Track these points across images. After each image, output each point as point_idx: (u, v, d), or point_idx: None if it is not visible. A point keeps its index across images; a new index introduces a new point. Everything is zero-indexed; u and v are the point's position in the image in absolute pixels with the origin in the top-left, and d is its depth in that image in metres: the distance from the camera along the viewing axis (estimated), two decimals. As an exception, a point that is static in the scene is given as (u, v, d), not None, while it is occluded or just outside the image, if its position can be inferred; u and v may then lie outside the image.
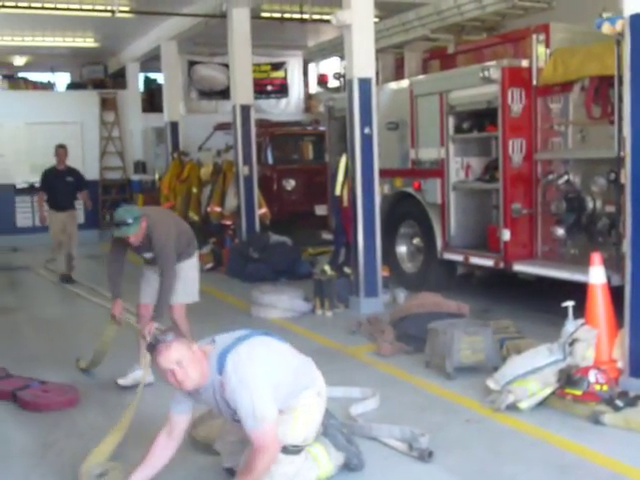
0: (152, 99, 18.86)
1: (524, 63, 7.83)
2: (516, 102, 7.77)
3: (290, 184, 14.07)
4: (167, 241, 5.81)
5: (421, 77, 9.42)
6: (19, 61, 18.85)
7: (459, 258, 8.75)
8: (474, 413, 5.28)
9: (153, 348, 3.82)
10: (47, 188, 11.47)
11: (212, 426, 4.51)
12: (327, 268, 9.42)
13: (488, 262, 8.30)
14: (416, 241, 9.62)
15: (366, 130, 8.39)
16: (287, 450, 3.96)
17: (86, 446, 4.80)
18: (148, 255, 5.95)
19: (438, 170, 8.84)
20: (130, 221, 5.63)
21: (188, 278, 6.10)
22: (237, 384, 3.74)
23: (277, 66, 18.85)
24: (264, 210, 12.16)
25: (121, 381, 5.98)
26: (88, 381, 5.77)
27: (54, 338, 7.80)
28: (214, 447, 4.37)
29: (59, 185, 11.36)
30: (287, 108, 19.11)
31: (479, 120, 8.44)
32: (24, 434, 5.18)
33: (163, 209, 10.01)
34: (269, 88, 18.83)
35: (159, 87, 18.12)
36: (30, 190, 17.25)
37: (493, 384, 5.44)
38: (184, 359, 3.76)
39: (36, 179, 17.10)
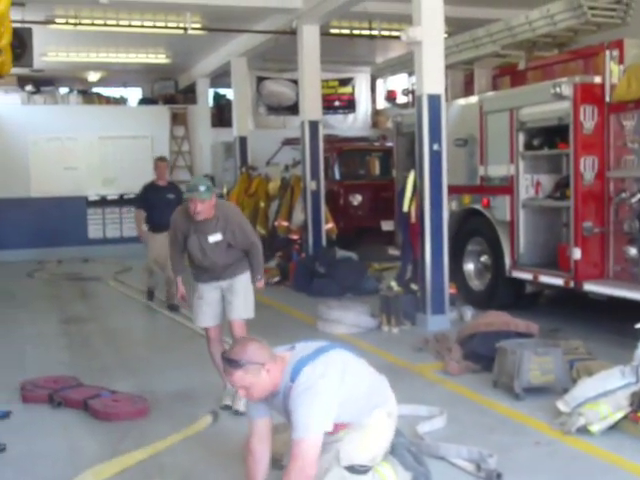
0: (221, 114, 19.15)
1: (597, 79, 7.74)
2: (588, 119, 7.66)
3: (357, 199, 14.11)
4: (244, 219, 5.95)
5: (491, 93, 9.36)
6: (93, 77, 19.33)
7: (528, 276, 8.64)
8: (543, 435, 5.18)
9: (225, 367, 3.90)
10: (147, 206, 10.19)
11: (279, 440, 4.51)
12: (394, 284, 9.39)
13: (558, 281, 8.17)
14: (484, 259, 9.53)
15: (435, 146, 8.36)
16: (354, 470, 3.94)
17: (155, 456, 4.89)
18: (213, 238, 5.68)
19: (507, 187, 8.76)
20: (203, 188, 5.51)
21: (248, 292, 5.96)
22: (303, 391, 3.75)
23: (345, 82, 18.95)
24: (331, 225, 12.19)
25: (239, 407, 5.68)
26: (157, 392, 5.85)
27: (124, 349, 7.93)
28: (282, 462, 4.38)
29: (159, 203, 9.83)
30: (354, 124, 19.18)
31: (550, 137, 8.34)
32: (94, 442, 5.27)
33: None
34: (337, 104, 18.95)
35: (228, 102, 18.39)
36: (102, 203, 17.69)
37: (563, 406, 5.35)
38: (252, 384, 3.80)
39: (108, 192, 17.69)
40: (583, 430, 5.07)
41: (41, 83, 18.85)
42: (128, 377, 6.55)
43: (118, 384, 6.50)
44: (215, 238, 5.67)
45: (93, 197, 17.68)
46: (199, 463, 4.77)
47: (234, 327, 5.91)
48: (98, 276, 13.59)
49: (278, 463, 4.41)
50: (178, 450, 4.99)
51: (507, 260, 8.81)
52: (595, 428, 5.07)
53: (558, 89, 7.72)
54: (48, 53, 15.49)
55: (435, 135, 8.37)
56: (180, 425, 5.44)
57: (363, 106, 19.29)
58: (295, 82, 16.62)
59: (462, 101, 9.74)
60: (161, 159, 10.81)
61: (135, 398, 5.97)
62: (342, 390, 3.88)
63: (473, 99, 9.49)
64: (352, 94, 19.06)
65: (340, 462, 3.94)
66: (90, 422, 5.70)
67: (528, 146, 8.56)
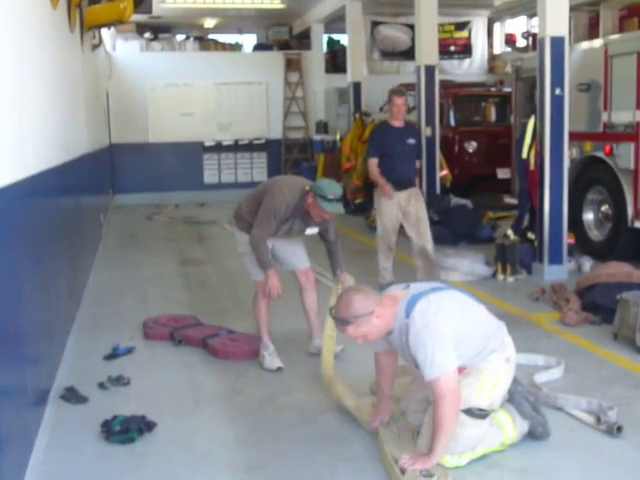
0: (335, 60, 19.02)
1: None
2: None
3: (472, 146, 13.85)
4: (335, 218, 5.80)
5: (617, 36, 8.98)
6: (209, 23, 19.51)
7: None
8: (666, 389, 5.04)
9: (337, 324, 4.02)
10: (380, 153, 7.93)
11: (397, 383, 4.54)
12: (510, 233, 9.21)
13: (684, 232, 7.84)
14: (604, 208, 9.22)
15: (557, 91, 8.08)
16: (472, 413, 3.93)
17: (273, 395, 5.01)
18: (310, 231, 5.70)
19: (632, 134, 8.40)
20: (340, 197, 5.38)
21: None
22: (421, 328, 3.77)
23: (461, 26, 18.45)
24: (445, 172, 12.00)
25: (312, 349, 5.93)
26: (273, 332, 5.94)
27: (241, 291, 8.07)
28: (400, 406, 4.41)
29: (397, 150, 7.87)
30: (470, 69, 18.73)
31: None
32: (213, 380, 5.44)
33: None
34: (452, 49, 18.49)
35: (342, 48, 18.24)
36: (217, 148, 17.97)
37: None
38: (367, 332, 3.89)
39: (223, 138, 17.95)
40: None
41: (159, 30, 19.21)
42: (245, 318, 6.69)
43: (236, 324, 6.66)
44: (312, 231, 5.71)
45: (209, 142, 17.97)
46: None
47: (302, 275, 5.95)
48: (214, 220, 13.87)
49: (397, 405, 4.45)
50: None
51: (630, 210, 8.50)
52: None
53: (691, 30, 7.33)
54: (166, 0, 15.69)
55: (557, 79, 8.08)
56: (294, 363, 5.62)
57: (479, 51, 18.77)
58: (410, 27, 16.35)
59: (586, 44, 9.36)
60: (398, 93, 8.13)
61: (252, 338, 6.11)
62: (460, 326, 3.89)
63: (598, 42, 9.10)
64: (468, 38, 18.53)
65: (459, 406, 3.94)
66: (209, 360, 5.89)
67: (656, 91, 8.18)
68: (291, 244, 5.87)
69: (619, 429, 4.30)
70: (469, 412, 3.92)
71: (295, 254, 5.92)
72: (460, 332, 3.88)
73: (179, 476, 4.02)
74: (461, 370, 3.95)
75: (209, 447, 4.35)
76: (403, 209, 7.90)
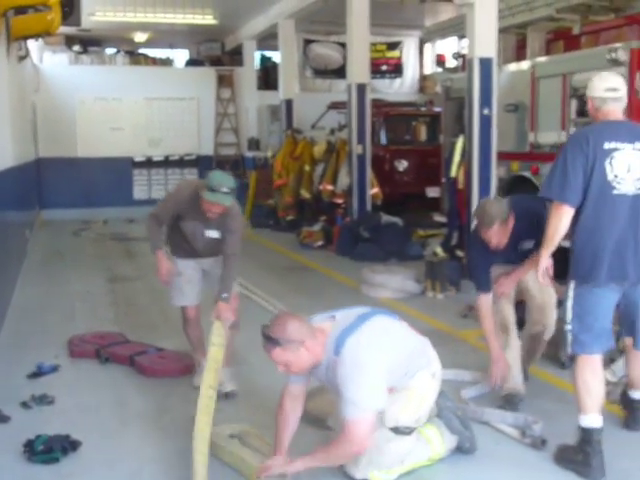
0: (267, 77, 19.09)
1: (654, 45, 7.53)
2: (645, 86, 7.48)
3: (402, 165, 14.01)
4: (241, 228, 5.33)
5: (544, 58, 9.20)
6: (140, 37, 19.34)
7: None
8: (590, 404, 5.13)
9: (264, 343, 3.81)
10: None
11: (325, 400, 4.53)
12: (439, 250, 9.33)
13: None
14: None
15: (485, 111, 8.26)
16: (399, 431, 3.95)
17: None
18: (212, 233, 5.26)
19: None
20: (228, 190, 4.97)
21: None
22: (351, 368, 3.67)
23: (393, 46, 18.74)
24: (376, 190, 12.12)
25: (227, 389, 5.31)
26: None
27: (169, 308, 7.90)
28: (327, 423, 4.39)
29: None
30: (401, 88, 19.00)
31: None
32: (141, 398, 5.35)
33: None
34: (384, 68, 18.76)
35: (274, 65, 18.31)
36: (147, 164, 17.80)
37: (610, 375, 5.27)
38: (291, 361, 3.76)
39: (153, 153, 17.79)
40: (630, 400, 5.01)
41: (88, 43, 18.97)
42: (173, 335, 6.60)
43: (164, 341, 6.57)
44: (211, 235, 5.28)
45: (139, 158, 17.79)
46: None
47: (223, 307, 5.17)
48: (143, 236, 13.65)
49: (323, 423, 4.43)
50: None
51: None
52: (643, 398, 4.99)
53: (614, 54, 7.54)
54: (96, 12, 15.49)
55: (486, 99, 8.26)
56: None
57: (410, 70, 19.07)
58: (342, 45, 16.49)
59: (514, 66, 9.57)
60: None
61: (180, 355, 6.03)
62: (389, 357, 3.83)
63: (525, 64, 9.32)
64: (400, 58, 18.84)
65: (385, 423, 3.95)
66: (136, 378, 5.78)
67: (580, 113, 8.38)
68: (219, 270, 5.33)
69: (543, 442, 4.37)
70: (396, 430, 3.94)
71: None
72: (390, 361, 3.83)
73: (104, 497, 3.94)
74: (390, 390, 3.94)
75: (135, 466, 4.27)
76: None
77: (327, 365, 3.80)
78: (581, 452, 4.07)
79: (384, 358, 3.78)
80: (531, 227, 4.80)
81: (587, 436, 4.07)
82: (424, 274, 8.62)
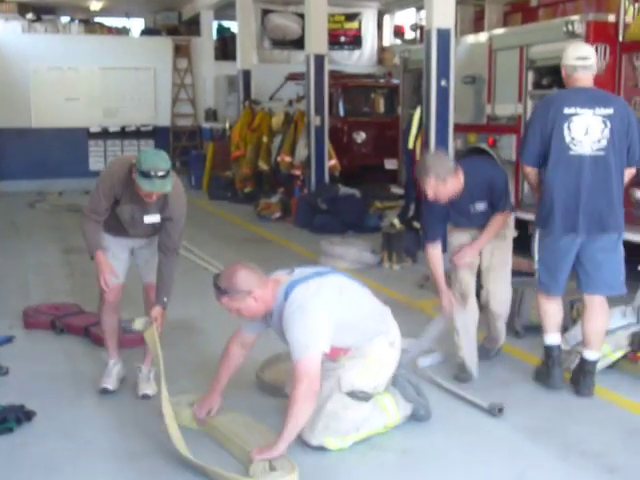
0: (225, 47, 18.84)
1: (610, 18, 7.56)
2: (600, 58, 7.51)
3: (360, 137, 13.99)
4: (184, 215, 4.68)
5: (501, 30, 9.20)
6: (95, 6, 18.96)
7: (531, 217, 8.59)
8: (543, 372, 5.23)
9: (214, 290, 3.93)
10: None
11: (280, 370, 4.55)
12: (396, 222, 9.38)
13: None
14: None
15: (442, 82, 8.27)
16: (355, 396, 3.99)
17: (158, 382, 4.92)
18: (153, 218, 4.61)
19: (514, 127, 8.65)
20: (164, 172, 4.28)
21: None
22: (295, 309, 3.79)
23: (351, 17, 18.63)
24: (334, 162, 12.11)
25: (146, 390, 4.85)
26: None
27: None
28: (284, 391, 4.41)
29: None
30: (360, 60, 18.91)
31: (560, 76, 8.20)
32: (96, 369, 5.28)
33: None
34: (342, 39, 18.64)
35: (232, 35, 18.13)
36: (103, 135, 17.56)
37: (563, 344, 5.37)
38: (240, 308, 3.90)
39: (109, 124, 17.53)
40: (582, 368, 5.12)
41: (42, 11, 18.55)
42: (129, 306, 6.51)
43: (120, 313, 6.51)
44: (152, 219, 4.62)
45: (94, 129, 17.55)
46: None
47: (150, 290, 4.89)
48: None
49: (280, 392, 4.45)
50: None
51: (511, 200, 8.74)
52: (594, 366, 5.10)
53: (570, 27, 7.56)
54: (49, -21, 15.22)
55: (443, 71, 8.26)
56: (181, 353, 5.49)
57: (369, 42, 18.98)
58: (301, 16, 16.34)
59: (471, 37, 9.58)
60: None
61: (136, 326, 5.98)
62: (338, 310, 3.90)
63: (483, 36, 9.33)
64: (358, 30, 18.73)
65: (341, 388, 3.99)
66: (92, 348, 5.77)
67: (537, 85, 8.43)
68: (150, 249, 4.88)
69: (500, 410, 4.43)
70: (352, 395, 3.98)
71: (149, 262, 4.89)
72: (338, 316, 3.90)
73: (60, 466, 3.92)
74: (345, 351, 4.00)
75: (91, 435, 4.26)
76: None
77: (279, 313, 3.89)
78: (545, 365, 4.92)
79: (329, 307, 3.86)
80: (482, 188, 4.96)
81: (548, 352, 4.90)
82: (381, 245, 8.67)
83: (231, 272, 3.91)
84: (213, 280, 3.96)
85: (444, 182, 4.78)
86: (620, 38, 7.50)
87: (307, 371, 3.72)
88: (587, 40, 7.47)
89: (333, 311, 3.87)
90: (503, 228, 5.13)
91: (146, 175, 4.24)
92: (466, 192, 4.92)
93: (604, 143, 4.58)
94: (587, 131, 4.57)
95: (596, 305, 4.79)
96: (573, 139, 4.58)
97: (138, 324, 4.62)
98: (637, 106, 7.42)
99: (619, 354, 5.16)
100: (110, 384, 4.85)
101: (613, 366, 5.15)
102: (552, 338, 4.92)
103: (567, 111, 4.59)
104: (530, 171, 4.85)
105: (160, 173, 4.25)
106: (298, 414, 3.74)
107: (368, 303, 4.19)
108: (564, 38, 7.71)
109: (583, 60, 4.71)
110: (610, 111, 4.60)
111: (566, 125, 4.58)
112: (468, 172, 4.94)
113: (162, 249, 4.66)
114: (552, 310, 4.91)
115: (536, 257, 5.05)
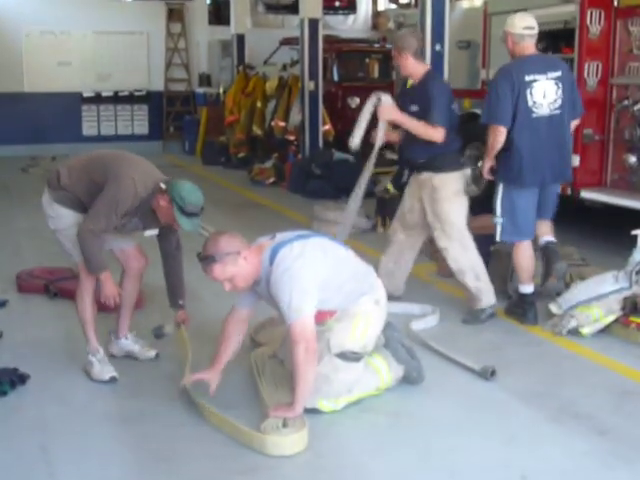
0: (219, 11, 18.68)
1: (606, -18, 7.53)
2: (595, 23, 7.48)
3: (355, 102, 13.90)
4: None
5: (496, -6, 9.13)
6: (88, -31, 18.78)
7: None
8: (534, 336, 5.28)
9: (203, 266, 3.89)
10: None
11: (274, 332, 4.57)
12: (390, 187, 9.35)
13: (555, 188, 8.17)
14: (481, 164, 9.44)
15: (437, 47, 8.21)
16: (346, 356, 4.01)
17: (152, 346, 4.93)
18: (149, 232, 4.61)
19: (509, 91, 8.63)
20: (201, 211, 4.31)
21: None
22: (281, 273, 3.79)
23: (346, -19, 18.48)
24: (328, 127, 12.07)
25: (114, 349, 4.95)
26: (151, 285, 5.84)
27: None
28: (277, 355, 4.44)
29: None
30: (354, 25, 18.81)
31: (554, 41, 8.17)
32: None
33: None
34: (337, 4, 18.48)
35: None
36: (96, 99, 17.44)
37: (555, 308, 5.42)
38: (234, 274, 3.85)
39: (102, 88, 17.41)
40: (574, 332, 5.17)
41: (34, -26, 18.34)
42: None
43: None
44: (152, 233, 4.62)
45: (88, 93, 17.41)
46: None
47: (131, 256, 4.80)
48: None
49: (275, 356, 4.48)
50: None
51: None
52: (586, 330, 5.15)
53: (565, -9, 7.54)
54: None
55: (438, 35, 8.19)
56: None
57: (364, 7, 18.88)
58: (295, -21, 16.21)
59: (466, 2, 9.51)
60: None
61: (131, 290, 5.97)
62: (322, 270, 3.92)
63: (478, 0, 9.26)
64: (353, -6, 18.65)
65: (331, 350, 4.01)
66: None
67: (532, 50, 8.40)
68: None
69: (492, 373, 4.47)
70: (342, 356, 4.01)
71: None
72: (323, 276, 3.92)
73: (54, 429, 3.94)
74: (331, 314, 4.03)
75: (85, 399, 4.29)
76: None
77: (266, 278, 3.89)
78: (520, 308, 5.54)
79: (314, 268, 3.87)
80: (423, 97, 5.50)
81: (523, 297, 5.54)
82: (375, 210, 8.68)
83: (213, 239, 3.89)
84: (197, 257, 3.88)
85: (401, 57, 5.48)
86: (615, 3, 7.45)
87: (302, 332, 3.75)
88: (582, 5, 7.44)
89: (318, 271, 3.89)
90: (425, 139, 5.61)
91: (186, 213, 4.20)
92: (416, 93, 5.54)
93: (559, 102, 5.25)
94: (545, 94, 5.21)
95: (544, 225, 5.64)
96: (535, 103, 5.19)
97: (169, 329, 4.83)
98: (632, 72, 7.41)
99: (611, 318, 5.20)
100: (113, 371, 4.57)
101: (605, 330, 5.19)
102: (527, 288, 5.52)
103: (527, 78, 5.18)
104: (503, 131, 5.20)
105: (198, 210, 4.26)
106: (305, 375, 3.77)
107: (352, 263, 4.21)
108: (559, 3, 7.68)
109: (530, 29, 5.32)
110: (559, 73, 5.26)
111: (528, 91, 5.17)
112: (425, 81, 5.53)
113: (166, 247, 4.68)
114: (524, 261, 5.46)
115: (499, 211, 5.42)
